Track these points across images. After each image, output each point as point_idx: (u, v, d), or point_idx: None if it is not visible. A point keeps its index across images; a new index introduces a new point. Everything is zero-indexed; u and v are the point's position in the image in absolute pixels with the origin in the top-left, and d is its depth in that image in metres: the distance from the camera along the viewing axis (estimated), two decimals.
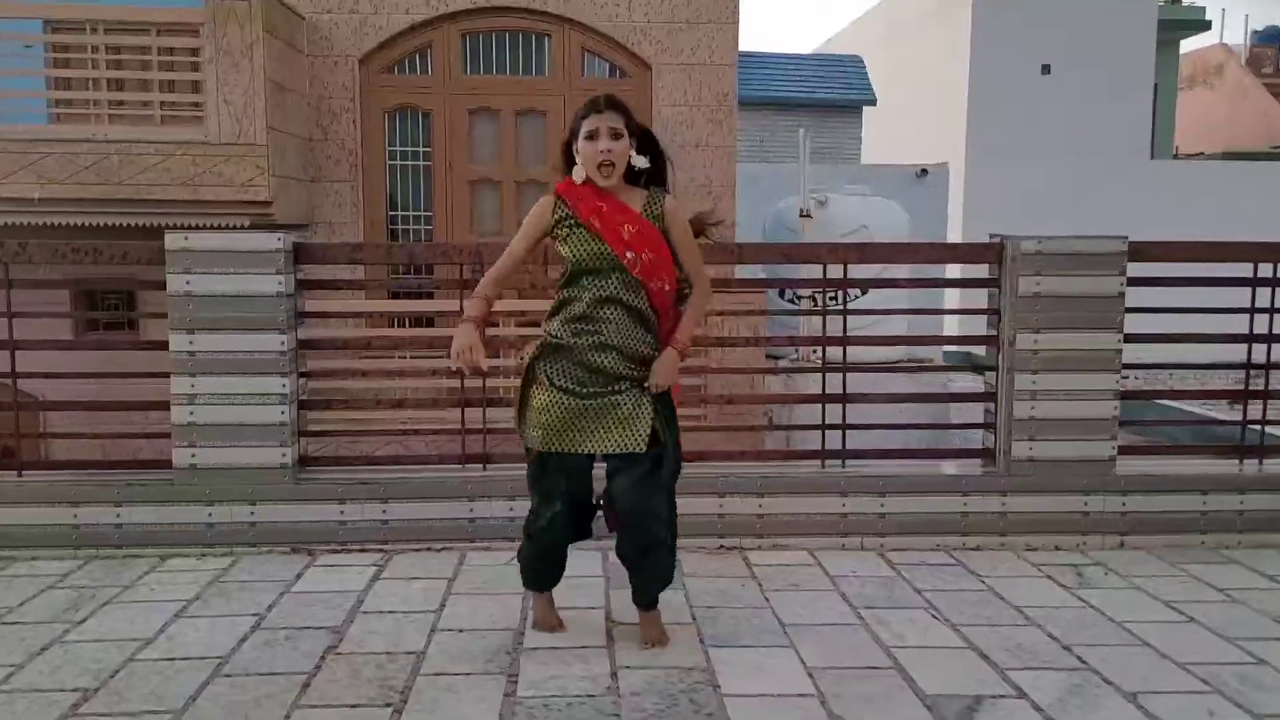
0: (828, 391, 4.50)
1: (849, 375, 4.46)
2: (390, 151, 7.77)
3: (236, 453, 4.18)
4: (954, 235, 14.32)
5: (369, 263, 4.20)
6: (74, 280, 5.35)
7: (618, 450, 3.14)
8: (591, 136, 3.04)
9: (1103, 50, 17.89)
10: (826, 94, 14.39)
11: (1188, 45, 23.04)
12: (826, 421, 4.52)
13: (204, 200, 6.51)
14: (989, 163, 17.28)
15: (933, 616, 3.57)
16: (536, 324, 3.38)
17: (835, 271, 4.47)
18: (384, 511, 4.25)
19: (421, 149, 7.78)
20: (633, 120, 3.20)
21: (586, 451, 3.18)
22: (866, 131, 15.43)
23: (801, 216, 7.96)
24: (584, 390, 3.13)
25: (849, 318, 4.50)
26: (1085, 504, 4.41)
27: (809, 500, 4.36)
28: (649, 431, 3.15)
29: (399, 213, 7.84)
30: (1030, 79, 17.99)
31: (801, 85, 14.35)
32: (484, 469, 4.40)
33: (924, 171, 12.23)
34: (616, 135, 3.06)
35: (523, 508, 4.26)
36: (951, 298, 4.70)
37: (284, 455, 4.19)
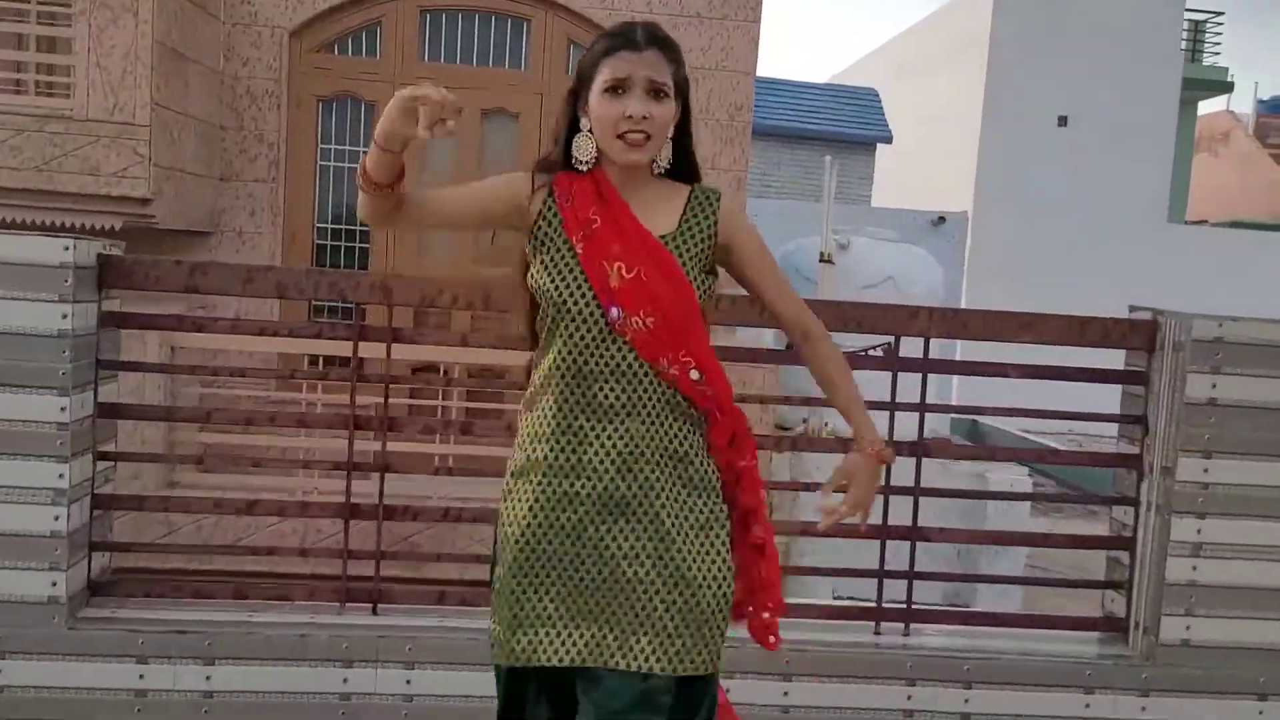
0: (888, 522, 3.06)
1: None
2: (323, 150, 6.30)
3: None
4: (967, 291, 13.00)
5: (214, 291, 2.72)
6: None
7: (667, 670, 1.77)
8: (616, 89, 1.79)
9: (1124, 106, 16.83)
10: (838, 128, 13.05)
11: (1204, 107, 22.11)
12: (885, 566, 3.07)
13: (62, 192, 4.98)
14: (998, 213, 16.10)
15: None
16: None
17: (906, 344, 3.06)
18: (208, 679, 2.74)
19: (362, 148, 6.30)
20: (684, 72, 1.87)
21: (607, 666, 1.80)
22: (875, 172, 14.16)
23: (821, 261, 6.55)
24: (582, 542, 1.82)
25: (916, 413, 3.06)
26: (1261, 714, 2.99)
27: (858, 689, 2.90)
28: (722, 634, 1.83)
29: (329, 225, 6.36)
30: (1046, 130, 16.89)
31: (811, 116, 12.99)
32: (374, 613, 2.91)
33: (941, 219, 10.93)
34: (659, 93, 1.81)
35: (426, 681, 2.81)
36: (1050, 392, 3.24)
37: (54, 584, 2.68)
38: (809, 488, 2.84)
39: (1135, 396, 3.13)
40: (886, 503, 3.08)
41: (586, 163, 1.85)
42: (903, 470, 2.92)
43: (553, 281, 1.83)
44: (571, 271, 1.82)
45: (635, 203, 1.85)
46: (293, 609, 2.91)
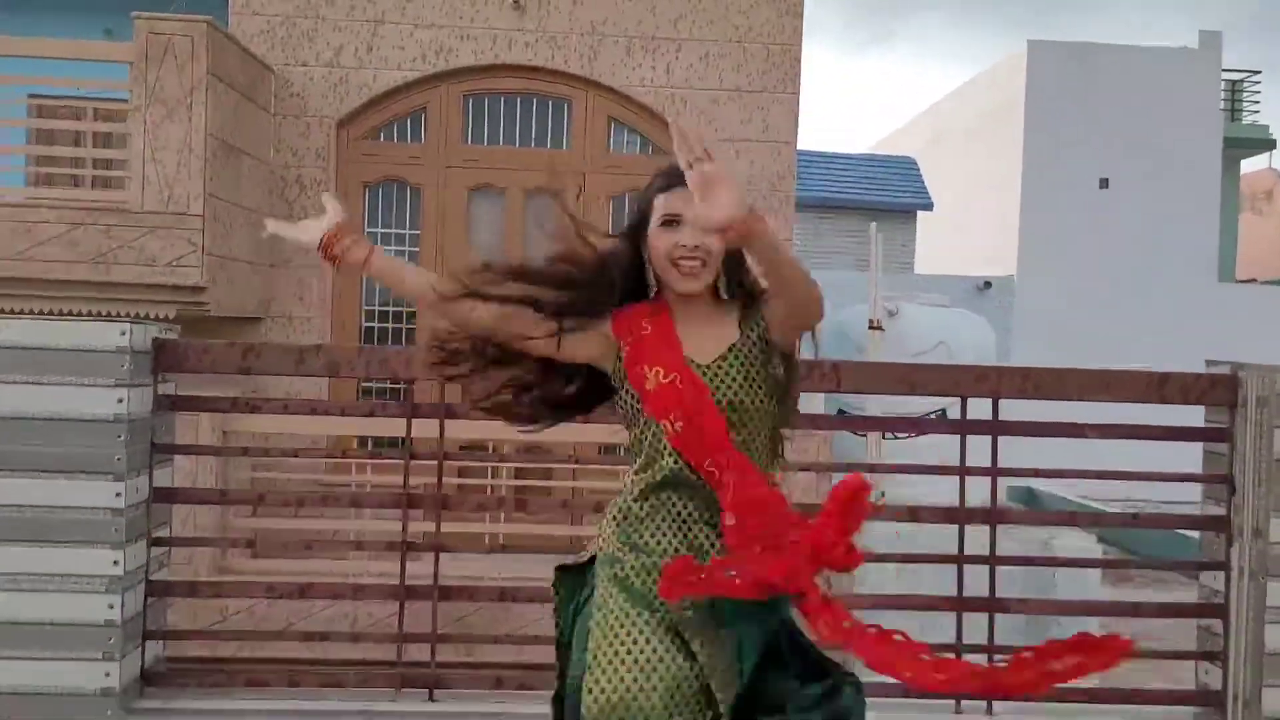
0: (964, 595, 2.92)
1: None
2: (370, 234, 6.39)
3: (31, 670, 2.61)
4: (1015, 355, 12.79)
5: (267, 372, 2.70)
6: None
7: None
8: (671, 223, 1.91)
9: (1166, 166, 16.68)
10: (879, 196, 13.04)
11: (1246, 165, 21.89)
12: (963, 639, 2.92)
13: (117, 282, 5.08)
14: (1043, 278, 15.90)
15: None
16: None
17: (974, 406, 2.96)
18: None
19: (409, 231, 6.40)
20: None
21: None
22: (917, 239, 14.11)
23: (871, 329, 6.46)
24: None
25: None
26: None
27: None
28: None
29: (377, 308, 6.41)
30: (1088, 192, 16.75)
31: (852, 186, 13.00)
32: (430, 699, 2.80)
33: (988, 284, 10.81)
34: None
35: None
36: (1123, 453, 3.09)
37: (108, 675, 2.62)
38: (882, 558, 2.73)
39: (1219, 455, 2.99)
40: (961, 573, 2.95)
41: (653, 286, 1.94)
42: (976, 539, 2.80)
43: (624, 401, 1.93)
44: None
45: (690, 329, 1.93)
46: (348, 695, 2.82)
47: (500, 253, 6.32)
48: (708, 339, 1.93)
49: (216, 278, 5.30)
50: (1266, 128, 20.02)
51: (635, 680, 1.78)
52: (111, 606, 2.63)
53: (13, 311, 5.09)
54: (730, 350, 1.91)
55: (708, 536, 1.86)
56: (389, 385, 5.83)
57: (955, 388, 2.96)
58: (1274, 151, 21.01)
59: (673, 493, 1.87)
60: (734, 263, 1.97)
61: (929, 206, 13.49)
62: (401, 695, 2.82)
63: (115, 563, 2.63)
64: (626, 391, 1.92)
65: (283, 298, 6.15)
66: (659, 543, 1.87)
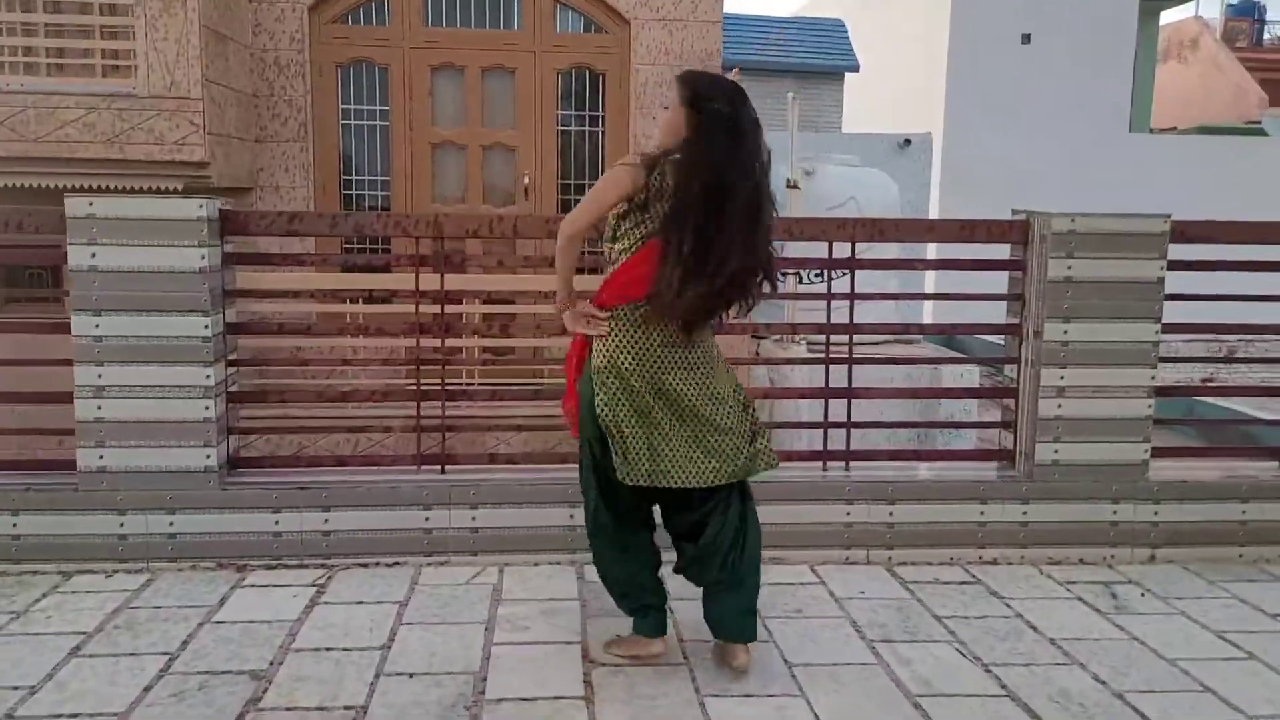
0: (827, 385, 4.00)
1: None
2: (344, 110, 7.12)
3: (153, 454, 3.60)
4: (934, 208, 13.87)
5: (309, 234, 3.62)
6: None
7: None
8: None
9: (1084, 19, 17.46)
10: (807, 59, 13.78)
11: (1166, 17, 22.66)
12: (829, 419, 4.03)
13: (132, 160, 5.84)
14: (968, 133, 16.83)
15: (959, 653, 3.10)
16: None
17: (841, 250, 3.98)
18: (326, 521, 3.70)
19: (379, 108, 7.14)
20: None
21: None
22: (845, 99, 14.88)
23: (789, 188, 7.42)
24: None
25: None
26: (1114, 513, 3.96)
27: (810, 508, 3.87)
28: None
29: (354, 177, 7.21)
30: (1011, 48, 17.53)
31: (780, 50, 13.72)
32: (442, 471, 3.86)
33: (907, 142, 11.74)
34: None
35: (487, 516, 3.77)
36: (959, 280, 4.17)
37: (208, 457, 3.63)
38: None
39: (1015, 279, 4.05)
40: (828, 372, 4.01)
41: None
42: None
43: None
44: None
45: None
46: (381, 471, 3.87)
47: (460, 123, 7.12)
48: None
49: (215, 153, 6.08)
50: None
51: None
52: (207, 408, 3.61)
53: (39, 188, 5.86)
54: None
55: None
56: (369, 246, 6.73)
57: (823, 234, 3.97)
58: (1198, 3, 21.72)
59: None
60: None
61: (855, 68, 14.23)
62: (421, 470, 3.87)
63: (207, 376, 3.59)
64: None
65: (270, 168, 6.93)
66: None
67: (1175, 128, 23.00)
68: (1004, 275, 4.09)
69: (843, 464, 4.03)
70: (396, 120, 7.12)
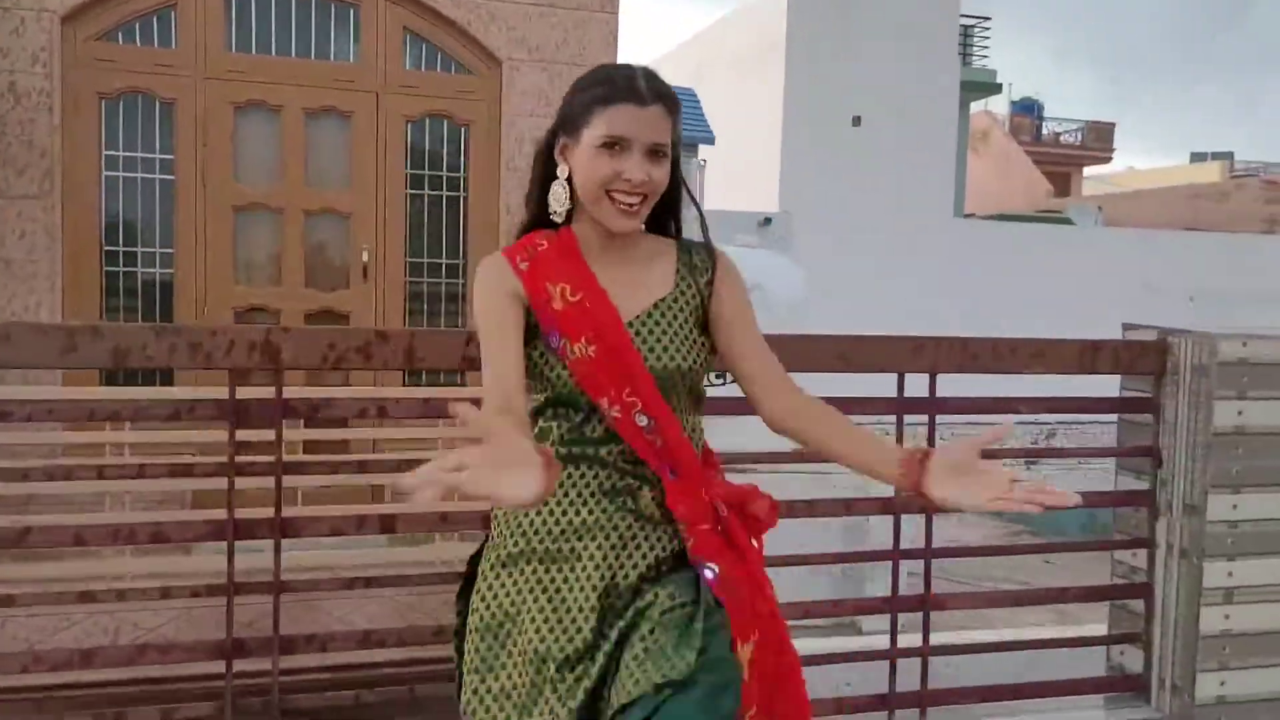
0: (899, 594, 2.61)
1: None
2: (109, 157, 5.22)
3: None
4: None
5: (30, 366, 1.93)
6: None
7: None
8: (613, 145, 1.60)
9: (910, 105, 17.46)
10: None
11: (976, 107, 23.42)
12: (897, 645, 2.62)
13: None
14: (804, 215, 16.30)
15: None
16: None
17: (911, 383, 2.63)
18: None
19: (159, 156, 5.29)
20: (680, 126, 1.68)
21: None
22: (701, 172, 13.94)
23: None
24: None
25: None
26: None
27: None
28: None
29: (121, 248, 5.30)
30: (843, 131, 17.27)
31: None
32: None
33: (767, 220, 10.80)
34: (658, 154, 1.62)
35: None
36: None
37: None
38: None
39: (1140, 427, 2.82)
40: (896, 568, 2.63)
41: (559, 213, 1.67)
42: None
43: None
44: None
45: (620, 269, 1.66)
46: None
47: (275, 179, 5.40)
48: (653, 276, 1.68)
49: None
50: (994, 73, 21.42)
51: None
52: None
53: None
54: (657, 306, 1.65)
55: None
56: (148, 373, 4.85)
57: (892, 362, 2.61)
58: (1003, 96, 22.54)
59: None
60: (672, 198, 1.70)
61: (710, 140, 13.33)
62: None
63: None
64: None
65: None
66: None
67: (974, 214, 23.75)
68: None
69: (916, 714, 2.62)
70: (184, 173, 5.30)
